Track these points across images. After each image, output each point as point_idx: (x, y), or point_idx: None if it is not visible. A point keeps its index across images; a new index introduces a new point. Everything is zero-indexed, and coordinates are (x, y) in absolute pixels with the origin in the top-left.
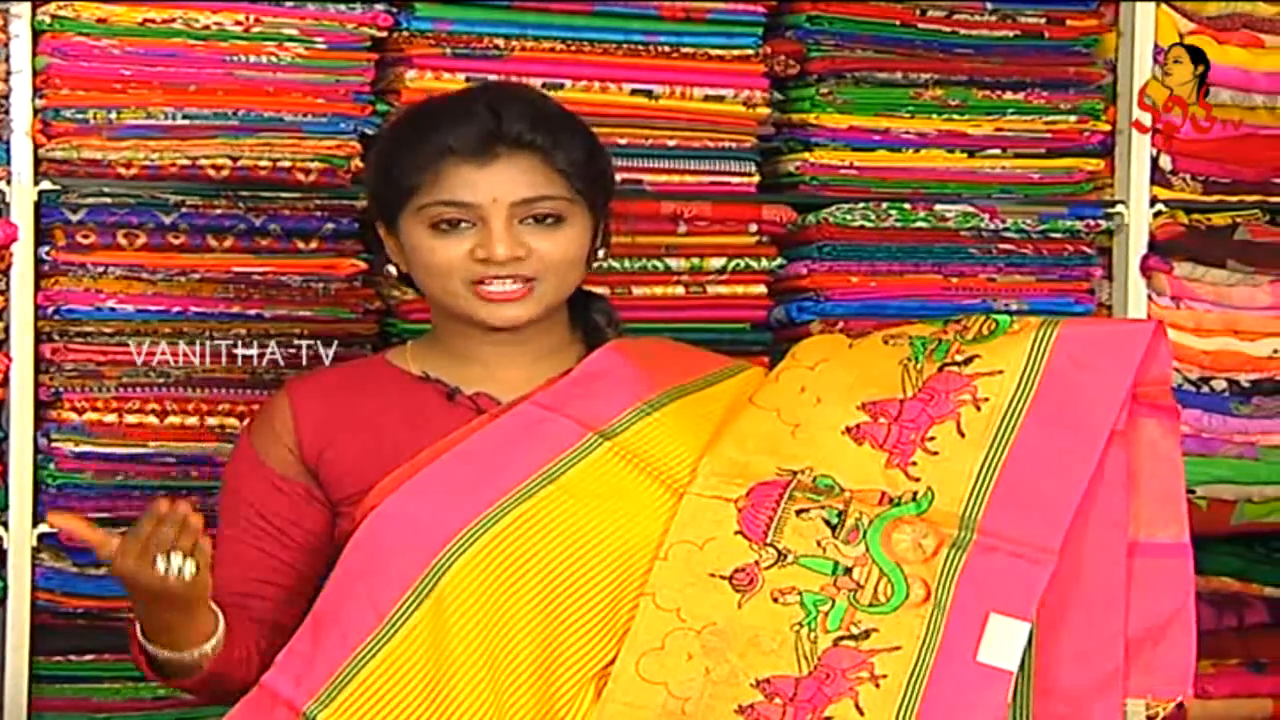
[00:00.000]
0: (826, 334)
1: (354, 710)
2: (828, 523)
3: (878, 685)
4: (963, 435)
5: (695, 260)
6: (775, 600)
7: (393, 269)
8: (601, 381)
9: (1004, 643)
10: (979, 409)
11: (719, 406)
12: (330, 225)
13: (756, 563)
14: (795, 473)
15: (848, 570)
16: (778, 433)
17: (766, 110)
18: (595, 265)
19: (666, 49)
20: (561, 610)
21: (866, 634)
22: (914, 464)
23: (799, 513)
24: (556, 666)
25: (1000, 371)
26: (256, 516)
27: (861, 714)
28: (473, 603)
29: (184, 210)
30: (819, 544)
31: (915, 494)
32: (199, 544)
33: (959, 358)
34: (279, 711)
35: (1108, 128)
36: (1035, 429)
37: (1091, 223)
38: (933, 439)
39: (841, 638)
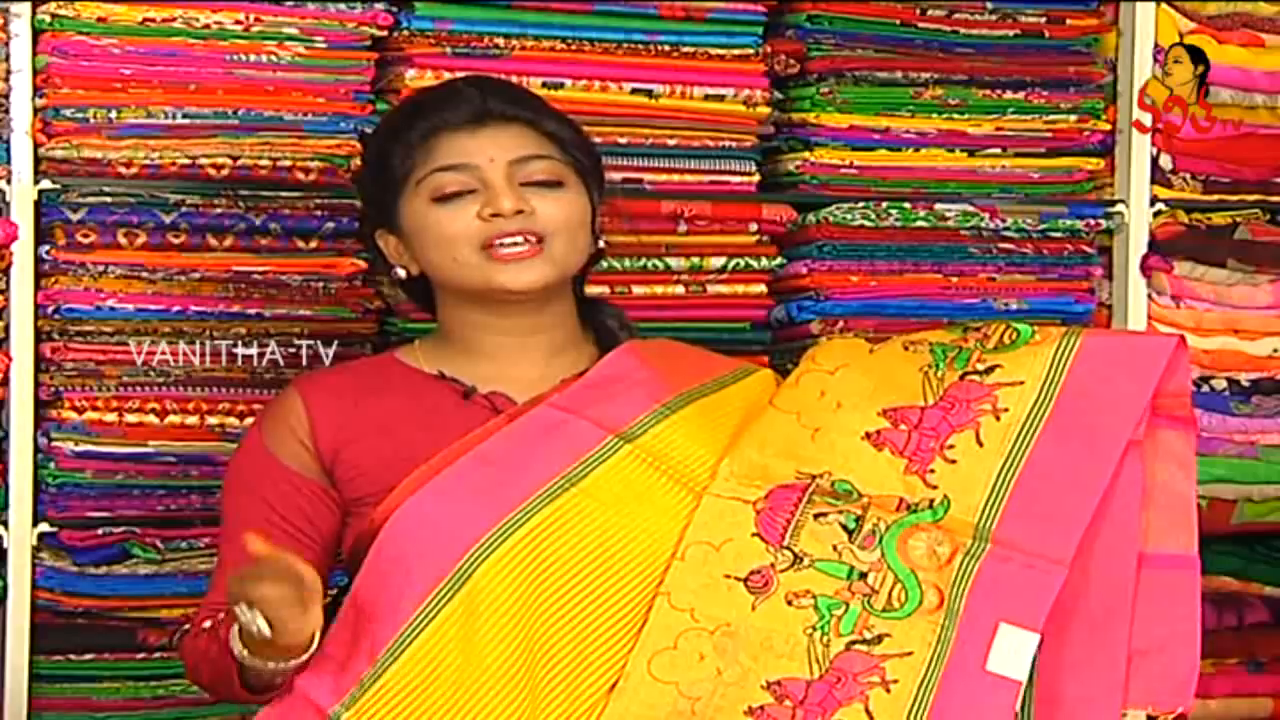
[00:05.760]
0: (846, 338)
1: (377, 710)
2: (845, 527)
3: (888, 690)
4: (981, 445)
5: (695, 259)
6: (789, 603)
7: (401, 271)
8: (618, 384)
9: (1012, 653)
10: (998, 419)
11: (733, 409)
12: (330, 224)
13: (772, 565)
14: (814, 476)
15: (863, 575)
16: (798, 436)
17: (767, 110)
18: (595, 254)
19: (666, 48)
20: (590, 614)
21: (879, 639)
22: (932, 471)
23: (817, 516)
24: (586, 669)
25: (1021, 382)
26: (276, 516)
27: (871, 718)
28: (503, 606)
29: (184, 209)
30: (835, 548)
31: (932, 501)
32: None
33: (980, 367)
34: (308, 715)
35: (1108, 127)
36: (1052, 441)
37: (1092, 222)
38: (952, 447)
39: (854, 642)
